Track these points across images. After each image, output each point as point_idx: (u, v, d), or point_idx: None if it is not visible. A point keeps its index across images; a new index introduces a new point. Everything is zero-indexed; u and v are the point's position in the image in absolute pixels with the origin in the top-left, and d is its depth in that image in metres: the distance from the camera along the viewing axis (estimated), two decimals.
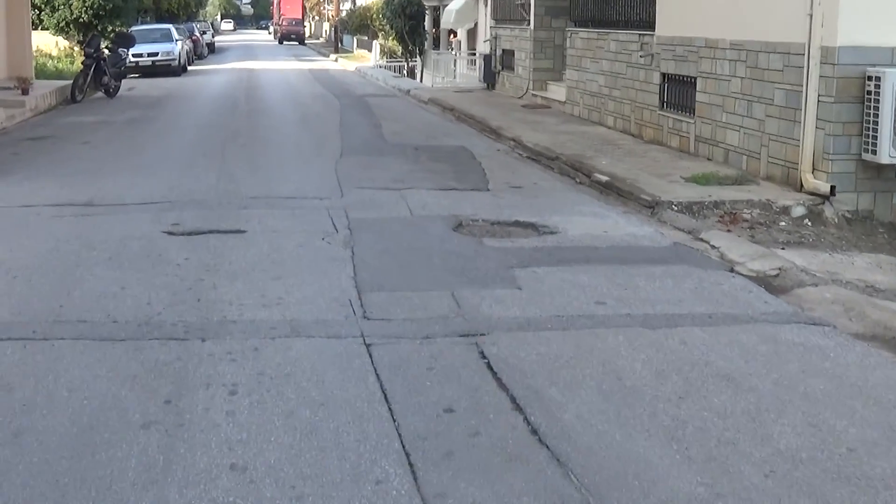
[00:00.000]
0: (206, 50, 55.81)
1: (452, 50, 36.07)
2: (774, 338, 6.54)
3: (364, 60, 50.57)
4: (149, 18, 61.22)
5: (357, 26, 64.00)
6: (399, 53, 46.34)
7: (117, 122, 20.99)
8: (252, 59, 53.91)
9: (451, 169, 14.42)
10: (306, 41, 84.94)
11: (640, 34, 16.99)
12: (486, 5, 30.35)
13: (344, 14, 71.41)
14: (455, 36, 38.28)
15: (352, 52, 60.98)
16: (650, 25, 16.47)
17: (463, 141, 17.54)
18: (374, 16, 62.08)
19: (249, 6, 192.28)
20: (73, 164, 14.59)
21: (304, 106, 25.01)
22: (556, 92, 23.33)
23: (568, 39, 21.84)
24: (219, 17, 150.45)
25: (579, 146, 15.79)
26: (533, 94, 24.61)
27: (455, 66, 32.25)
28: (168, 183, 12.74)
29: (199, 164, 14.50)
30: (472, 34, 33.88)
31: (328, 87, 31.97)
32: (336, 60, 54.07)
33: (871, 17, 10.67)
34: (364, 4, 66.84)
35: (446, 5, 34.58)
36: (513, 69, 26.72)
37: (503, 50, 27.64)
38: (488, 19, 29.93)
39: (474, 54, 31.93)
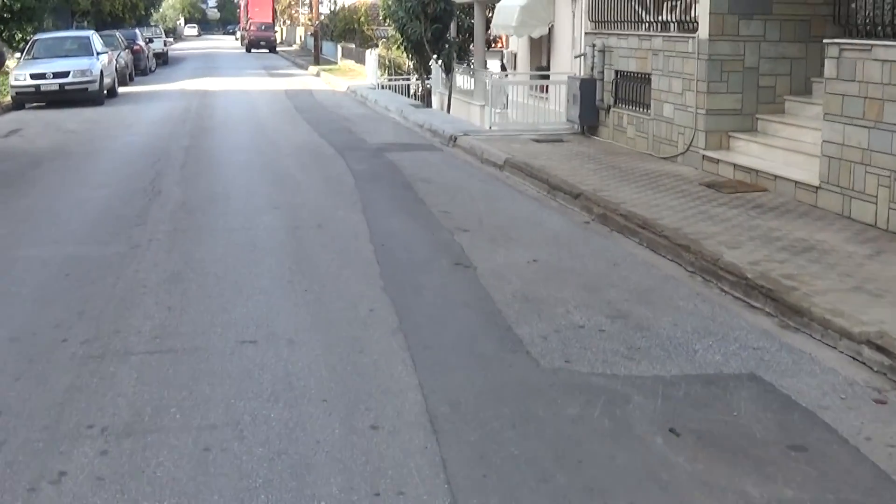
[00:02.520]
0: (152, 63, 44.24)
1: (505, 69, 24.55)
2: None
3: (355, 76, 39.03)
4: (86, 23, 49.60)
5: (341, 31, 52.45)
6: (406, 68, 34.78)
7: None
8: (212, 73, 42.36)
9: None
10: (278, 49, 73.21)
11: None
12: (573, 1, 18.92)
13: (324, 17, 59.72)
14: (500, 44, 26.96)
15: (336, 63, 49.44)
16: None
17: (736, 350, 6.72)
18: (363, 18, 50.49)
19: (216, 10, 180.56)
20: None
21: (288, 181, 14.04)
22: (764, 156, 12.58)
23: (831, 63, 10.55)
24: (182, 22, 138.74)
25: None
26: (703, 156, 13.38)
27: (511, 93, 20.69)
28: None
29: None
30: (536, 46, 22.39)
31: (319, 128, 20.68)
32: (318, 75, 42.56)
33: None
34: (350, 4, 55.27)
35: (495, 1, 23.21)
36: (641, 106, 15.56)
37: (618, 73, 16.33)
38: (579, 22, 18.60)
39: (546, 75, 20.45)
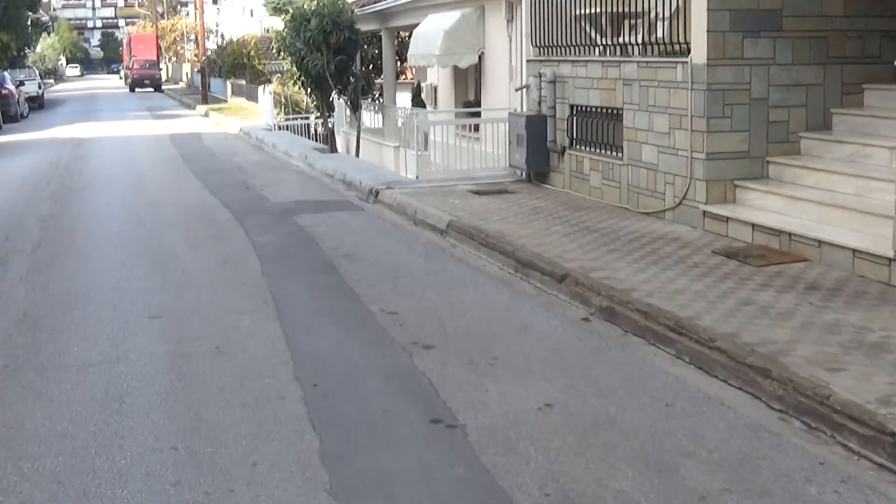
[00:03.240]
0: (24, 108, 40.23)
1: (422, 104, 21.54)
2: None
3: (247, 115, 35.68)
4: None
5: (230, 67, 49.02)
6: (305, 106, 31.60)
7: None
8: (90, 117, 38.62)
9: None
10: (164, 87, 69.28)
11: None
12: (509, 22, 15.98)
13: (211, 52, 56.13)
14: (410, 75, 24.06)
15: (225, 101, 45.98)
16: None
17: None
18: (253, 52, 47.16)
19: (99, 49, 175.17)
20: None
21: (172, 266, 10.88)
22: (790, 212, 10.04)
23: None
24: (63, 62, 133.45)
25: None
26: (704, 212, 10.53)
27: (433, 133, 17.59)
28: None
29: None
30: (461, 78, 19.41)
31: (211, 182, 17.51)
32: (207, 115, 39.08)
33: None
34: (238, 38, 51.83)
35: (410, 27, 20.21)
36: (609, 148, 12.83)
37: (574, 108, 13.48)
38: (517, 48, 15.70)
39: (476, 112, 17.47)
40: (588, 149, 13.41)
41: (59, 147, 25.81)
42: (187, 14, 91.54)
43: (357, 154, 23.60)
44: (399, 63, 30.21)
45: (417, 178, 15.71)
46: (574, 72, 13.58)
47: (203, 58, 46.79)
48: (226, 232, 12.35)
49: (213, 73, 54.38)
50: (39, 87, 47.81)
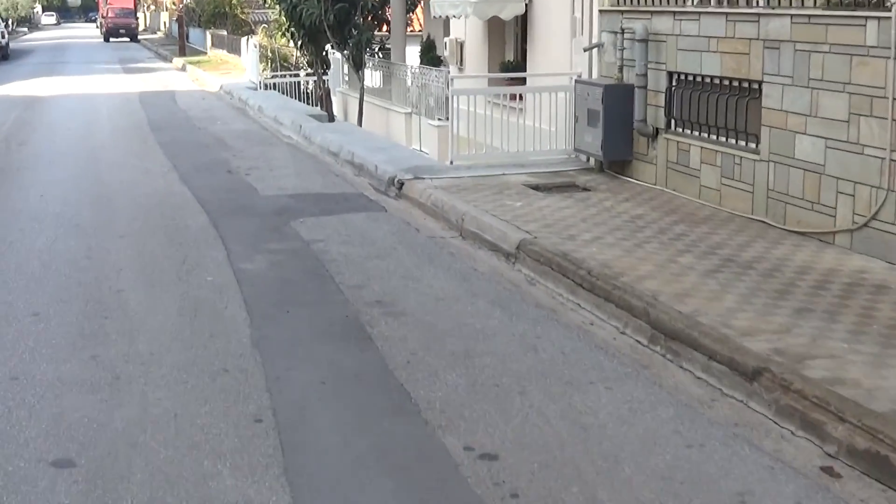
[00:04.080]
0: None
1: (450, 64, 17.72)
2: None
3: (229, 70, 31.81)
4: None
5: (210, 16, 44.92)
6: (294, 61, 27.71)
7: None
8: (55, 71, 34.64)
9: None
10: (140, 37, 64.96)
11: None
12: None
13: (190, 0, 51.91)
14: (416, 27, 20.46)
15: (205, 53, 41.98)
16: None
17: None
18: (233, 1, 43.03)
19: None
20: None
21: (112, 325, 7.09)
22: None
23: None
24: (38, 9, 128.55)
25: None
26: None
27: (455, 101, 13.55)
28: None
29: None
30: (497, 31, 15.63)
31: (181, 161, 14.14)
32: (184, 69, 35.17)
33: None
34: None
35: None
36: (736, 135, 9.08)
37: (676, 77, 9.77)
38: None
39: (522, 77, 13.73)
40: (698, 134, 9.73)
41: (8, 108, 21.95)
42: None
43: (360, 122, 19.79)
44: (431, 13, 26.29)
45: (452, 163, 11.97)
46: (677, 28, 9.86)
47: (181, 5, 42.64)
48: (197, 251, 8.66)
49: (192, 22, 50.25)
50: (3, 37, 43.54)
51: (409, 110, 18.68)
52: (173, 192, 11.53)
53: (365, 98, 19.82)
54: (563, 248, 7.89)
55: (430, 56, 22.41)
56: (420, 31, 25.85)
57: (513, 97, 13.43)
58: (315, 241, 9.00)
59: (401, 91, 19.20)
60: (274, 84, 25.51)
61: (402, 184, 11.29)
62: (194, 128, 17.99)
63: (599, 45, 11.61)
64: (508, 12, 14.08)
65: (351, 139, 14.80)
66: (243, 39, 32.14)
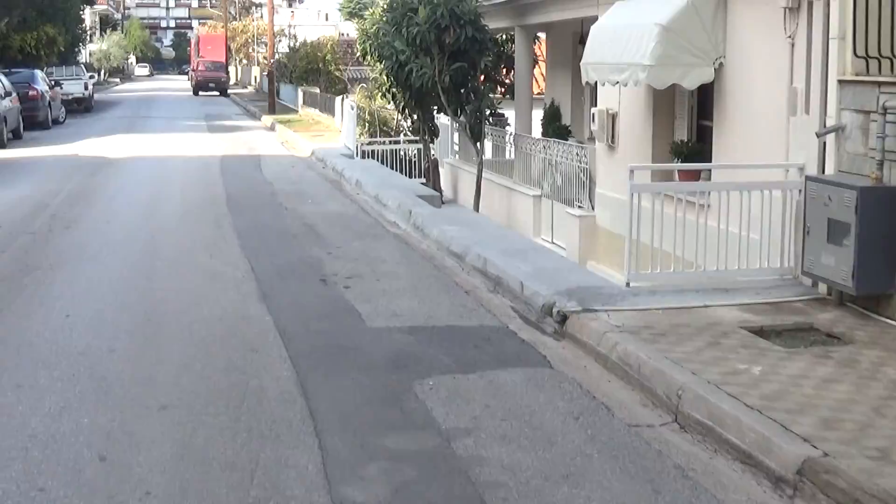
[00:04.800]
0: (61, 112, 34.02)
1: (600, 139, 14.30)
2: None
3: (321, 131, 28.94)
4: None
5: (303, 72, 42.30)
6: (394, 125, 24.65)
7: None
8: (136, 127, 32.20)
9: None
10: (230, 91, 62.86)
11: None
12: (791, 12, 8.76)
13: (282, 55, 49.48)
14: (539, 91, 17.47)
15: (296, 112, 39.29)
16: None
17: None
18: (329, 57, 40.32)
19: (171, 49, 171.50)
20: None
21: None
22: None
23: None
24: (133, 61, 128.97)
25: None
26: None
27: (633, 201, 10.04)
28: None
29: None
30: (665, 102, 12.20)
31: (261, 261, 11.27)
32: (273, 129, 32.39)
33: None
34: (313, 40, 45.16)
35: (561, 23, 13.28)
36: None
37: None
38: (814, 58, 8.38)
39: (706, 168, 10.30)
40: None
41: (72, 171, 19.18)
42: (260, 17, 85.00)
43: (476, 204, 16.55)
44: (506, 72, 23.03)
45: (629, 284, 8.57)
46: None
47: (272, 60, 40.12)
48: (274, 448, 5.51)
49: (284, 78, 47.79)
50: (86, 88, 41.31)
51: (538, 192, 15.41)
52: (247, 317, 8.32)
53: (485, 178, 16.60)
54: (886, 485, 4.46)
55: (556, 126, 19.13)
56: (540, 93, 22.62)
57: (697, 193, 10.01)
58: (458, 432, 5.68)
59: (526, 168, 15.97)
60: (372, 151, 22.41)
61: (565, 316, 7.91)
62: (280, 207, 14.88)
63: (839, 129, 8.22)
64: (693, 79, 10.71)
65: (477, 235, 11.54)
66: (338, 99, 29.31)
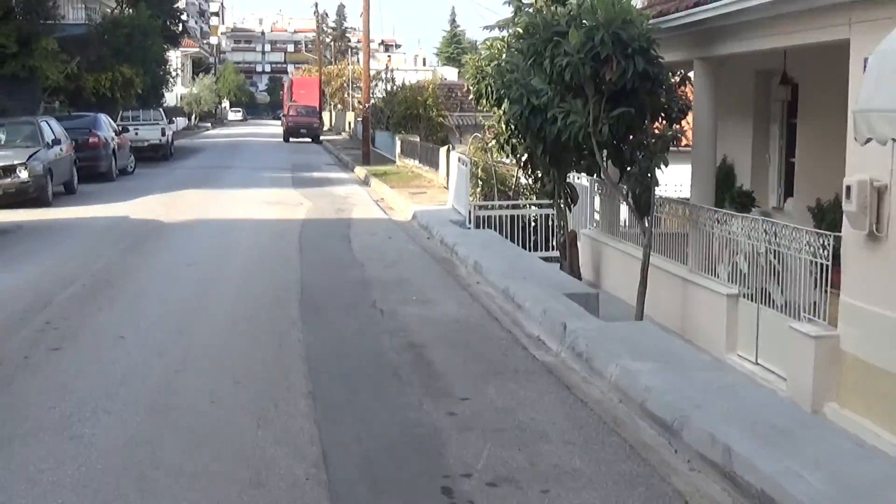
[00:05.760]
0: (130, 162, 30.21)
1: (855, 224, 9.28)
2: None
3: (422, 187, 24.58)
4: (58, 104, 36.06)
5: (401, 118, 38.04)
6: (512, 184, 20.09)
7: None
8: (209, 180, 28.12)
9: None
10: (323, 137, 59.11)
11: None
12: None
13: (378, 99, 45.38)
14: (685, 143, 12.89)
15: (393, 163, 34.97)
16: None
17: None
18: (430, 101, 35.99)
19: (265, 94, 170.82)
20: None
21: None
22: None
23: None
24: (226, 105, 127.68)
25: None
26: None
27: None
28: None
29: None
30: None
31: (342, 429, 6.75)
32: (367, 183, 28.12)
33: None
34: (413, 83, 40.96)
35: (763, 52, 8.40)
36: None
37: None
38: None
39: None
40: None
41: (109, 243, 15.04)
42: (356, 61, 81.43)
43: (641, 304, 11.78)
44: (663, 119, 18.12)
45: None
46: None
47: (367, 105, 35.90)
48: None
49: (380, 125, 43.64)
50: (163, 134, 37.56)
51: (735, 290, 10.60)
52: None
53: (626, 250, 11.93)
54: None
55: (734, 191, 14.35)
56: (686, 145, 17.76)
57: None
58: None
59: (702, 248, 11.24)
60: (487, 218, 17.86)
61: None
62: (373, 309, 10.36)
63: None
64: None
65: (686, 381, 6.94)
66: (442, 150, 24.84)
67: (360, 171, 31.97)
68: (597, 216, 16.20)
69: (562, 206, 15.49)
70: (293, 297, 11.05)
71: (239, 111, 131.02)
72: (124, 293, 11.28)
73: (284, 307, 10.46)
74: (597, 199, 16.24)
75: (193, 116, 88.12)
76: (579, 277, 15.03)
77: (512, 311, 10.48)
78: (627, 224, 15.33)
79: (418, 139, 34.11)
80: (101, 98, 39.56)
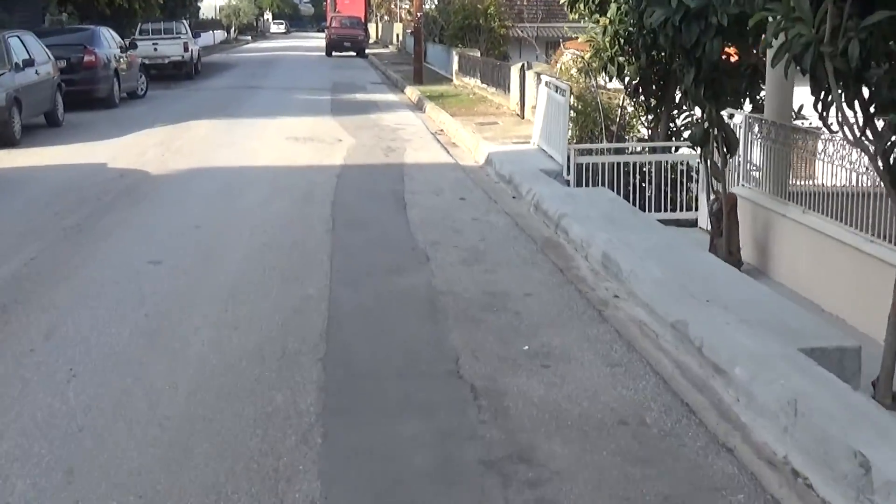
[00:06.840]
0: (141, 83, 25.38)
1: None
2: None
3: (489, 116, 19.61)
4: (66, 16, 31.33)
5: (457, 30, 32.74)
6: (623, 122, 14.87)
7: None
8: (230, 105, 23.26)
9: None
10: (368, 51, 53.93)
11: None
12: None
13: (430, 9, 40.01)
14: None
15: (450, 81, 29.81)
16: None
17: None
18: (492, 10, 30.70)
19: (309, 5, 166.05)
20: None
21: None
22: None
23: None
24: (269, 18, 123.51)
25: None
26: None
27: None
28: None
29: None
30: None
31: None
32: (420, 108, 23.11)
33: None
34: None
35: None
36: None
37: None
38: None
39: None
40: None
41: (45, 221, 10.09)
42: None
43: None
44: None
45: None
46: None
47: (419, 14, 30.62)
48: None
49: (432, 36, 38.34)
50: (186, 49, 32.65)
51: None
52: None
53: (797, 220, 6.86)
54: None
55: None
56: None
57: None
58: None
59: None
60: (589, 165, 12.79)
61: None
62: (455, 389, 5.45)
63: None
64: None
65: None
66: (513, 69, 19.69)
67: (412, 91, 26.88)
68: (754, 172, 11.13)
69: (715, 157, 10.47)
70: (315, 335, 6.22)
71: (282, 23, 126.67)
72: (43, 325, 6.39)
73: (298, 366, 5.55)
74: (755, 148, 11.16)
75: (232, 29, 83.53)
76: (739, 263, 10.17)
77: (704, 378, 5.58)
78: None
79: (479, 54, 28.88)
80: (117, 10, 34.67)
